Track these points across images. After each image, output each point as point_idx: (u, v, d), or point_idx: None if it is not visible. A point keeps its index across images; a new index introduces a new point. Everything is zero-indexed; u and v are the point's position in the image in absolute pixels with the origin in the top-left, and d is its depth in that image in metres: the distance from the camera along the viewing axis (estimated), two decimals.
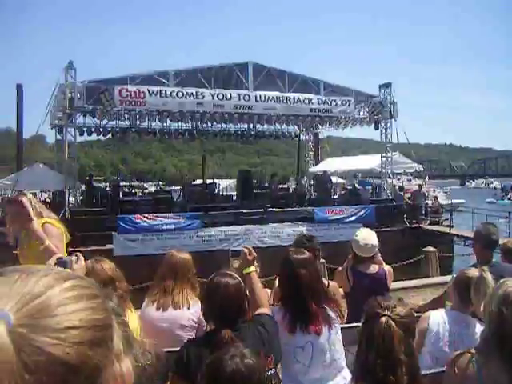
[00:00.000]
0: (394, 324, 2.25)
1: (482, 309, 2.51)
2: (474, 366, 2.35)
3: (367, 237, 4.91)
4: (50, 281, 0.79)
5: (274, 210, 20.24)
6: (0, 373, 0.67)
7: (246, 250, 3.42)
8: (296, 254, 3.51)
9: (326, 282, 4.69)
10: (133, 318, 3.58)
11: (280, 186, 26.94)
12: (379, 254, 5.03)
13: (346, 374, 3.42)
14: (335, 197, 26.35)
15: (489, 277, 3.33)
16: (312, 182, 31.07)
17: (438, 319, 3.54)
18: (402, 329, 2.25)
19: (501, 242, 5.22)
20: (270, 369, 2.78)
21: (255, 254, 3.44)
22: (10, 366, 0.68)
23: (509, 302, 2.24)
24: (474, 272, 3.54)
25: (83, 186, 24.72)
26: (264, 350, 2.76)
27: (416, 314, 3.49)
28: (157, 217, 17.92)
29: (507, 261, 4.98)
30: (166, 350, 3.05)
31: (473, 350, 2.43)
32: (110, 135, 27.21)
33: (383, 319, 2.27)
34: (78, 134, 21.47)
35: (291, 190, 27.64)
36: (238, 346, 2.27)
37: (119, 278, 3.59)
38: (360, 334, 2.40)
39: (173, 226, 17.85)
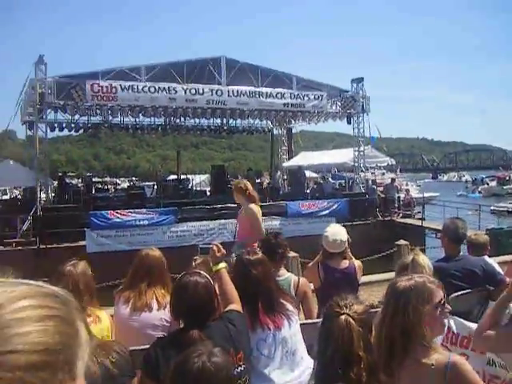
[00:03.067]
0: (352, 321, 2.31)
1: None
2: None
3: (337, 232, 4.95)
4: (2, 299, 0.77)
5: None
6: None
7: (214, 247, 3.44)
8: (248, 254, 3.59)
9: (296, 278, 4.74)
10: (104, 317, 3.56)
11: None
12: (348, 249, 5.08)
13: (310, 363, 3.47)
14: (308, 191, 26.47)
15: (422, 257, 3.43)
16: (285, 177, 31.22)
17: None
18: (360, 325, 2.31)
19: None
20: (240, 365, 2.81)
21: (224, 250, 3.46)
22: None
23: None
24: (409, 257, 3.63)
25: (55, 183, 24.50)
26: (233, 346, 2.79)
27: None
28: (130, 213, 17.82)
29: (472, 253, 5.12)
30: (134, 348, 3.06)
31: None
32: (81, 131, 26.97)
33: (342, 317, 2.32)
34: (49, 129, 21.15)
35: (265, 185, 27.71)
36: (207, 345, 2.29)
37: (86, 285, 3.47)
38: (319, 333, 2.46)
39: (146, 222, 17.76)
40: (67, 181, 26.15)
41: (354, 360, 2.24)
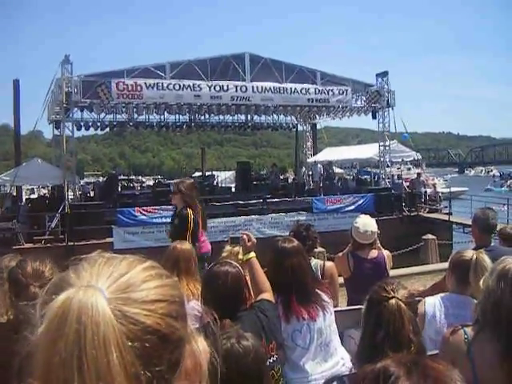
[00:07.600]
0: (403, 305, 2.31)
1: (481, 285, 2.54)
2: (466, 342, 2.41)
3: (367, 223, 4.96)
4: (130, 262, 0.87)
5: (273, 200, 20.28)
6: (107, 341, 0.73)
7: (244, 237, 3.43)
8: (284, 242, 3.54)
9: (321, 262, 4.75)
10: None
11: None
12: (378, 240, 5.07)
13: (344, 354, 3.46)
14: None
15: (486, 258, 3.34)
16: (310, 173, 31.15)
17: (433, 303, 3.58)
18: (408, 309, 2.31)
19: (499, 227, 5.25)
20: (273, 355, 2.80)
21: (254, 239, 3.44)
22: (114, 335, 0.74)
23: (507, 276, 2.29)
24: (469, 254, 3.54)
25: (82, 181, 24.74)
26: (265, 336, 2.78)
27: (417, 299, 3.55)
28: (156, 209, 17.92)
29: (505, 246, 5.00)
30: None
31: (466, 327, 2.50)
32: (107, 129, 27.19)
33: (393, 301, 2.33)
34: (75, 128, 21.36)
35: (290, 181, 27.67)
36: (238, 329, 2.29)
37: None
38: (366, 318, 2.44)
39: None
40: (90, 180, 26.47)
41: (405, 343, 2.26)
